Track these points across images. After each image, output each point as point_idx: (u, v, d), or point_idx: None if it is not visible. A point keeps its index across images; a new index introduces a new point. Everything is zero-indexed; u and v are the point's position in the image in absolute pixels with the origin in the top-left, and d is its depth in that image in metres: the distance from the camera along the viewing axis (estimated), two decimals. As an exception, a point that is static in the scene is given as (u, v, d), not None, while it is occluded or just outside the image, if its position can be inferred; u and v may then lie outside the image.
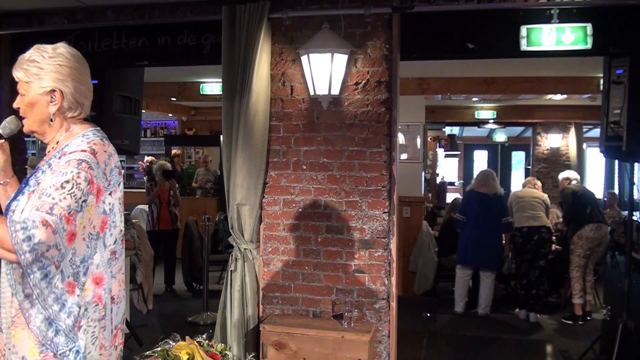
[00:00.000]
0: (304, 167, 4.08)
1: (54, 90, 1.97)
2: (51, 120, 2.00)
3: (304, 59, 3.89)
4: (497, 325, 6.58)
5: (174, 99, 10.26)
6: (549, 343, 5.98)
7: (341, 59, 3.85)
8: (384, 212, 3.94)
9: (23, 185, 1.99)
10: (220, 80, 8.30)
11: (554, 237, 6.98)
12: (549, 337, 6.18)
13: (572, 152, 11.80)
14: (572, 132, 11.76)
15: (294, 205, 4.11)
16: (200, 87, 8.65)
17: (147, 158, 11.15)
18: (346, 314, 3.85)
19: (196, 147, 13.30)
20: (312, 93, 3.93)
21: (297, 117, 4.09)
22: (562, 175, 7.42)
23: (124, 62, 4.77)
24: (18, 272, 1.85)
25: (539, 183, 7.31)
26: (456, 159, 15.40)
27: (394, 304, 4.02)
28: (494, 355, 5.76)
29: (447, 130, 13.03)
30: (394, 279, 4.01)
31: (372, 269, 3.96)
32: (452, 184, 13.55)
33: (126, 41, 4.62)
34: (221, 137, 10.60)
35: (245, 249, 4.11)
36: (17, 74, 1.98)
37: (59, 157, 1.92)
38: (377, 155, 3.95)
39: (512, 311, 6.93)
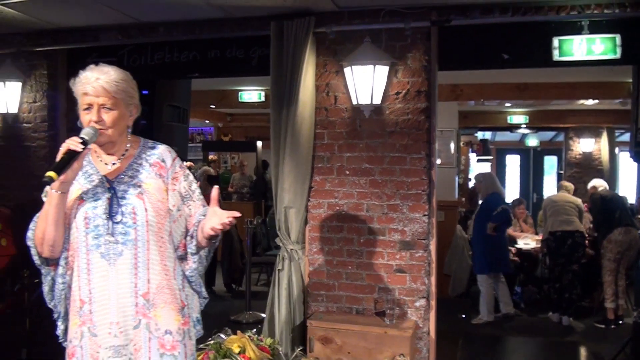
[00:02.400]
0: (347, 172, 4.31)
1: (134, 106, 2.25)
2: (129, 131, 2.26)
3: (347, 70, 4.12)
4: (530, 328, 6.66)
5: (213, 106, 10.56)
6: (581, 345, 6.05)
7: (382, 70, 4.06)
8: (424, 215, 4.15)
9: (110, 192, 2.14)
10: (259, 87, 8.60)
11: (587, 242, 7.06)
12: (581, 340, 6.23)
13: (605, 156, 11.71)
14: (604, 137, 11.68)
15: (337, 208, 4.33)
16: (239, 94, 8.93)
17: (185, 163, 11.45)
18: (388, 311, 4.03)
19: (232, 153, 13.56)
20: (354, 102, 4.16)
21: (341, 125, 4.32)
22: (589, 185, 7.51)
23: (176, 74, 5.05)
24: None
25: (572, 188, 7.39)
26: (488, 164, 15.40)
27: (433, 303, 4.21)
28: (528, 357, 5.89)
29: (480, 135, 13.08)
30: (433, 279, 4.21)
31: (413, 268, 4.16)
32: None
33: (177, 55, 4.85)
34: (258, 142, 10.84)
35: (291, 249, 4.35)
36: (108, 87, 2.10)
37: (151, 164, 2.27)
38: (417, 161, 4.15)
39: (545, 314, 6.98)
